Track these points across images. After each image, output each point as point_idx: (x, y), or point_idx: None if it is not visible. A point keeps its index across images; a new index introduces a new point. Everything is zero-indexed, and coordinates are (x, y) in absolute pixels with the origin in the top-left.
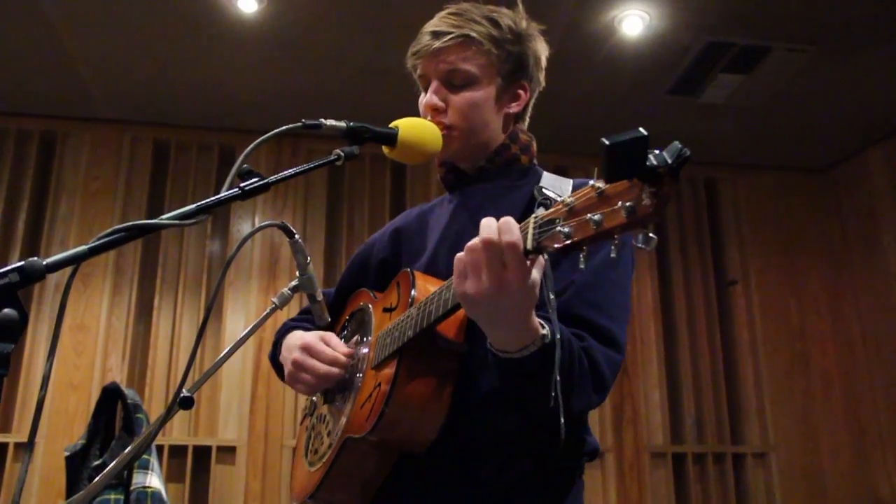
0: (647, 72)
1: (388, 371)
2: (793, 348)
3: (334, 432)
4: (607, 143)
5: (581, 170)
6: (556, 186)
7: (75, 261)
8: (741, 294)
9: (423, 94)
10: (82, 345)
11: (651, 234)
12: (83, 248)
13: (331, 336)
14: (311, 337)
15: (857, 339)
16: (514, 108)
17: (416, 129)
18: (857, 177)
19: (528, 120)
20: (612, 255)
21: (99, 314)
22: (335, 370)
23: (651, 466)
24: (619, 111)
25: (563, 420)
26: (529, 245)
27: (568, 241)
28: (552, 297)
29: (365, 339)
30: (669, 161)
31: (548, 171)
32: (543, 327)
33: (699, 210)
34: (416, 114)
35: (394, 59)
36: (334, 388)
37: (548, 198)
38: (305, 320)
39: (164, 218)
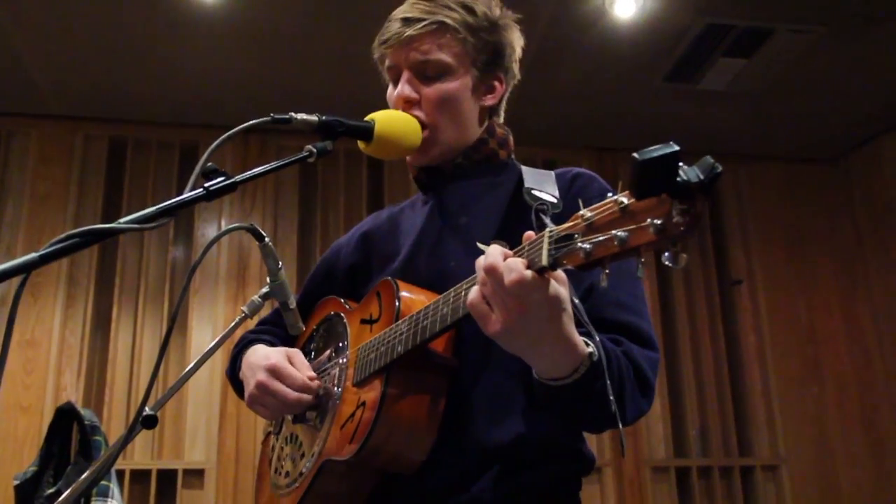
0: (641, 58)
1: (374, 389)
2: (803, 352)
3: (309, 454)
4: (638, 158)
5: (574, 164)
6: (539, 182)
7: (24, 270)
8: (746, 295)
9: (390, 87)
10: (33, 362)
11: (682, 253)
12: (33, 255)
13: (296, 354)
14: (277, 356)
15: (873, 342)
16: (490, 100)
17: (394, 122)
18: (869, 167)
19: (502, 114)
20: (639, 273)
21: (51, 328)
22: (307, 397)
23: (653, 482)
24: (611, 101)
25: (623, 439)
26: (545, 261)
27: (588, 259)
28: (577, 300)
29: (340, 352)
30: (702, 177)
31: (537, 165)
32: (588, 345)
33: None
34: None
35: (367, 48)
36: None
37: (543, 203)
38: (266, 332)
39: (122, 222)
